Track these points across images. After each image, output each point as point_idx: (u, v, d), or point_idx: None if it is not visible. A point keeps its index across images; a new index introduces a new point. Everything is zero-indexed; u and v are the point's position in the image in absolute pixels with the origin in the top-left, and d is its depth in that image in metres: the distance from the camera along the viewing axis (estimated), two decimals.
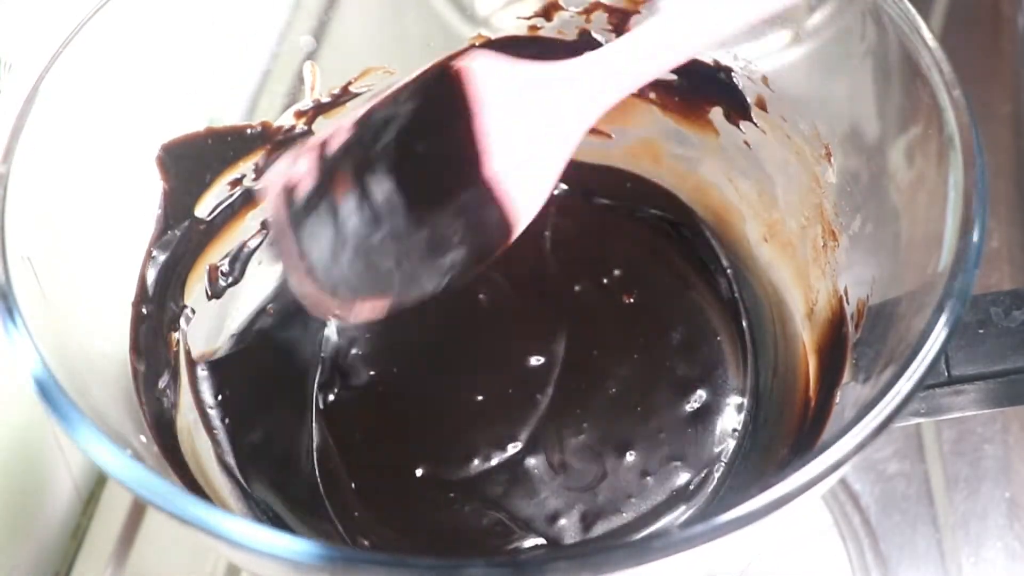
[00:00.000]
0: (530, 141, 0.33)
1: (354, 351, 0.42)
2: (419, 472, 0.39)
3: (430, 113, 0.32)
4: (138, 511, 0.48)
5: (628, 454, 0.39)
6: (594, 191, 0.47)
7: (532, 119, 0.32)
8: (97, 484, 0.49)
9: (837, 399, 0.34)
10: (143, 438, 0.33)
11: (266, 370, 0.42)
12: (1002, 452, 0.49)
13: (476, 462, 0.39)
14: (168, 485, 0.25)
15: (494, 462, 0.39)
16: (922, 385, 0.26)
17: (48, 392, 0.27)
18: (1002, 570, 0.46)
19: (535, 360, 0.42)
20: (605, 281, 0.44)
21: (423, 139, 0.32)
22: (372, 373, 0.42)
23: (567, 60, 0.33)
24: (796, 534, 0.46)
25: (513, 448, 0.39)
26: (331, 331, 0.43)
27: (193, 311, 0.41)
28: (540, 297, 0.44)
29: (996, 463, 0.48)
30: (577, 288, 0.44)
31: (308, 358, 0.42)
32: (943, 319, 0.27)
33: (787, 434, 0.38)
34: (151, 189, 0.39)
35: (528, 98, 0.32)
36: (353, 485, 0.39)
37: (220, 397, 0.40)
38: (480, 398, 0.41)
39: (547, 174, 0.33)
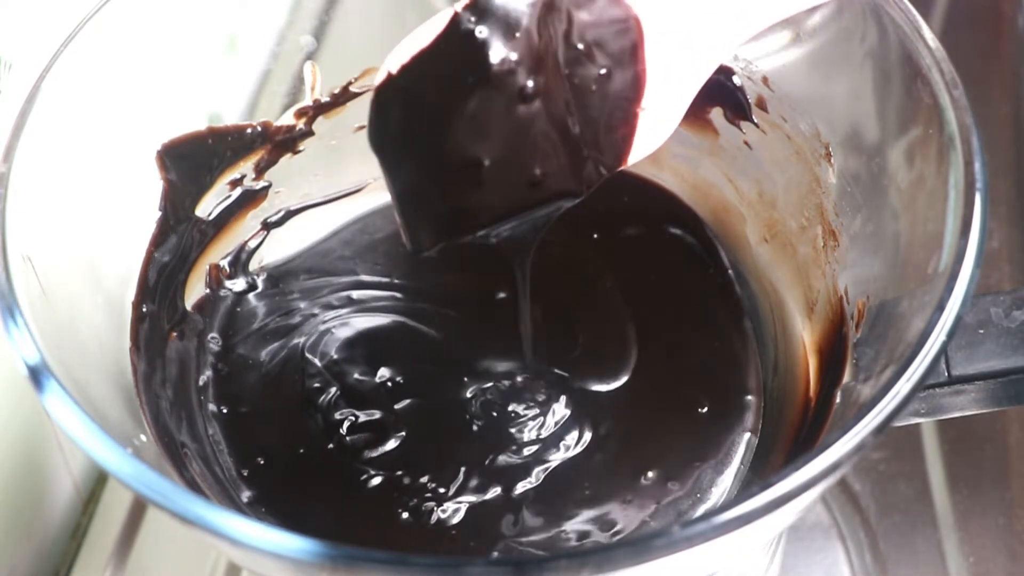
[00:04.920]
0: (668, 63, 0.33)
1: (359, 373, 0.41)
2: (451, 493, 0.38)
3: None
4: (138, 511, 0.48)
5: (651, 456, 0.39)
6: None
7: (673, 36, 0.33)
8: (97, 484, 0.49)
9: (837, 399, 0.34)
10: (143, 437, 0.33)
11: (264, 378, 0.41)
12: (1002, 452, 0.49)
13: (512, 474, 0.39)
14: (168, 483, 0.25)
15: (531, 470, 0.39)
16: (922, 385, 0.26)
17: (49, 391, 0.27)
18: (1002, 570, 0.46)
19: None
20: (610, 285, 0.44)
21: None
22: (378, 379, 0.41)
23: None
24: (796, 534, 0.46)
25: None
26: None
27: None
28: (551, 302, 0.43)
29: (996, 463, 0.48)
30: (584, 292, 0.43)
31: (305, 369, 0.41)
32: (943, 319, 0.27)
33: (787, 434, 0.38)
34: (151, 189, 0.39)
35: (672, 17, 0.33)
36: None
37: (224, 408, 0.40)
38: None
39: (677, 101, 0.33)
